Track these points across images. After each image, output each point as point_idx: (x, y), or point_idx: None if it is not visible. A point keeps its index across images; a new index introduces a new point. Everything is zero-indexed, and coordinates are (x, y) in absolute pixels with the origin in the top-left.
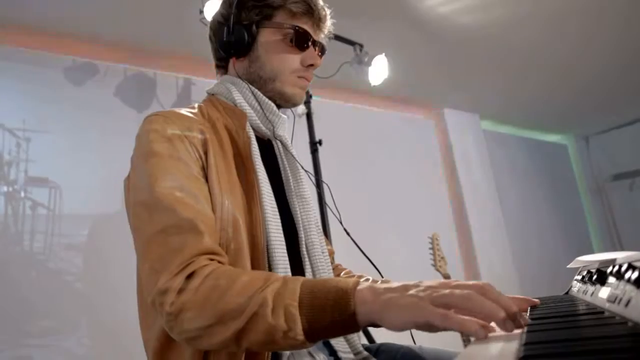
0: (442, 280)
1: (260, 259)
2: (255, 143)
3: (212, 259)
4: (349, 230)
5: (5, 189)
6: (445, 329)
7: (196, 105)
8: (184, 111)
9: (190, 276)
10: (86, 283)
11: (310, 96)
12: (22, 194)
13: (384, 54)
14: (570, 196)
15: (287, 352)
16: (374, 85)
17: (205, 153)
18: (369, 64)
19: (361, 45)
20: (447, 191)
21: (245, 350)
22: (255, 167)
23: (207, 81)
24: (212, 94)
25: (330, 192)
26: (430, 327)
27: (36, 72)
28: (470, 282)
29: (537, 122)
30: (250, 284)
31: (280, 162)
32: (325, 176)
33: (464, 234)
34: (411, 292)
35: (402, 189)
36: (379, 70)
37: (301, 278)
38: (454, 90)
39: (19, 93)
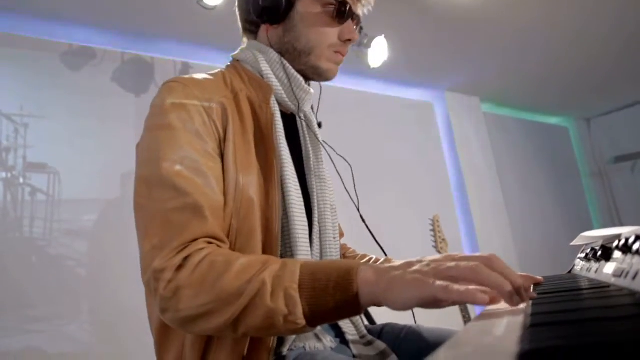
0: (446, 254)
1: (274, 244)
2: (279, 120)
3: (210, 243)
4: (348, 211)
5: (4, 175)
6: (448, 302)
7: (218, 71)
8: (206, 79)
9: (187, 258)
10: (87, 268)
11: None
12: (21, 180)
13: (383, 35)
14: (572, 179)
15: (293, 335)
16: (374, 68)
17: (224, 127)
18: (368, 45)
19: (361, 27)
20: (448, 174)
21: (242, 335)
22: (279, 147)
23: (205, 65)
24: (237, 60)
25: (352, 175)
26: (435, 303)
27: (33, 57)
28: (477, 254)
29: (538, 104)
30: (248, 266)
31: (302, 139)
32: (325, 158)
33: (464, 216)
34: (414, 268)
35: (403, 172)
36: (378, 52)
37: (301, 260)
38: (454, 72)
39: (16, 79)
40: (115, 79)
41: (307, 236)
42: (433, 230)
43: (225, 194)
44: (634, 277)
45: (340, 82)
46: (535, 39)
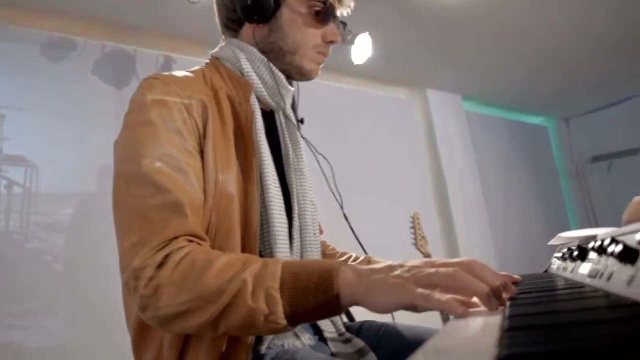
0: (427, 259)
1: (252, 241)
2: (259, 118)
3: (191, 241)
4: (329, 208)
5: None
6: (428, 309)
7: (198, 68)
8: (185, 76)
9: (167, 256)
10: (64, 263)
11: None
12: None
13: (367, 32)
14: (550, 178)
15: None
16: (357, 64)
17: (204, 124)
18: (352, 42)
19: (344, 24)
20: (429, 171)
21: (222, 334)
22: (258, 144)
23: (188, 59)
24: (217, 58)
25: (332, 172)
26: (414, 308)
27: (11, 48)
28: (457, 260)
29: (519, 103)
30: (229, 265)
31: (280, 135)
32: (306, 155)
33: (444, 214)
34: (396, 272)
35: (383, 169)
36: (362, 49)
37: (282, 260)
38: (437, 70)
39: None
40: (95, 71)
41: (287, 233)
42: (413, 227)
43: (204, 190)
44: (608, 279)
45: (323, 78)
46: (517, 39)
